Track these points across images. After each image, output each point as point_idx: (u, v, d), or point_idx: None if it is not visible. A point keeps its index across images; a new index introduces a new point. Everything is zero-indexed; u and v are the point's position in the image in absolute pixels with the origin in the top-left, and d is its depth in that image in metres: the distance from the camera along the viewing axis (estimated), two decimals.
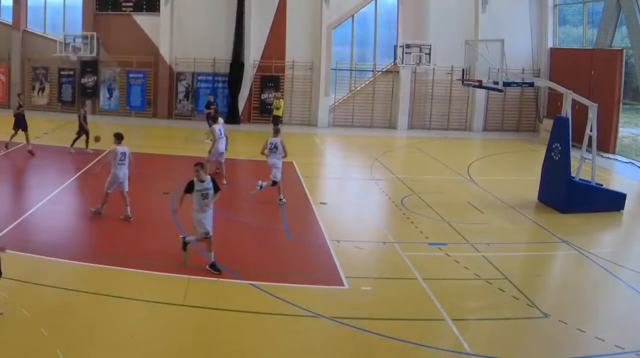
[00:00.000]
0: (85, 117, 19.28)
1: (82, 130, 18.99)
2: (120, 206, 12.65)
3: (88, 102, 26.40)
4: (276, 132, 14.78)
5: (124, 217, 12.61)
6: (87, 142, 18.92)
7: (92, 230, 12.28)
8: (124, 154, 12.78)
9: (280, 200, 14.45)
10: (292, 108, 27.49)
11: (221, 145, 15.96)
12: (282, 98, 25.96)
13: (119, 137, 13.02)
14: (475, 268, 10.61)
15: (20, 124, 18.72)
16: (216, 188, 10.23)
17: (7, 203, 13.54)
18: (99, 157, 17.52)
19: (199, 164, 10.19)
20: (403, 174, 18.61)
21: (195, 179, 10.05)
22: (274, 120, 24.64)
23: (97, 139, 15.31)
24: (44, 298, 8.63)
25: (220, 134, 15.94)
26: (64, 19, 28.54)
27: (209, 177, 10.22)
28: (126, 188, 12.81)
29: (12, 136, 18.76)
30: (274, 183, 14.42)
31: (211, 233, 10.06)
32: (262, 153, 14.58)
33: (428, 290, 9.57)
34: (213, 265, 9.97)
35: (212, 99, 24.09)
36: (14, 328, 7.74)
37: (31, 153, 18.10)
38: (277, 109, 25.15)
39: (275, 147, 14.41)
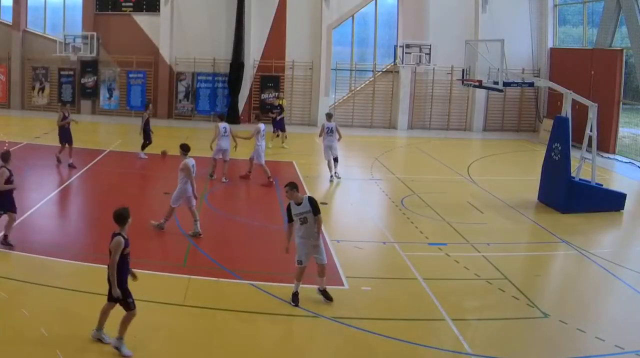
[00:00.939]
0: (148, 121, 18.82)
1: (147, 135, 18.71)
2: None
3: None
4: (329, 117, 17.47)
5: (192, 233, 11.69)
6: (148, 144, 18.79)
7: (92, 230, 12.28)
8: (194, 166, 11.77)
9: (334, 176, 16.91)
10: (292, 108, 27.48)
11: (224, 143, 16.12)
12: (284, 98, 25.48)
13: (185, 149, 11.93)
14: (475, 268, 10.60)
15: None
16: (316, 211, 8.73)
17: None
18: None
19: (289, 185, 8.84)
20: (403, 173, 18.61)
21: (291, 203, 8.80)
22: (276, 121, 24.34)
23: (163, 154, 16.25)
24: (44, 298, 8.63)
25: (225, 132, 16.17)
26: (64, 19, 28.56)
27: (306, 197, 8.87)
28: (194, 203, 11.77)
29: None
30: (336, 159, 16.96)
31: (324, 262, 8.85)
32: (320, 136, 17.09)
33: (428, 290, 9.57)
34: (325, 293, 8.90)
35: (275, 102, 23.35)
36: (14, 328, 7.74)
37: (72, 165, 17.11)
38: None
39: (332, 131, 16.81)
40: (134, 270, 7.63)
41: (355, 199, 15.85)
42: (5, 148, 11.06)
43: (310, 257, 8.85)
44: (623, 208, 14.74)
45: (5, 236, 10.42)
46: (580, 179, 14.83)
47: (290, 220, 8.78)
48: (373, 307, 9.03)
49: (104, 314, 7.47)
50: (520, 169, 20.32)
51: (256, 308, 8.78)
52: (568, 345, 8.09)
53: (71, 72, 28.01)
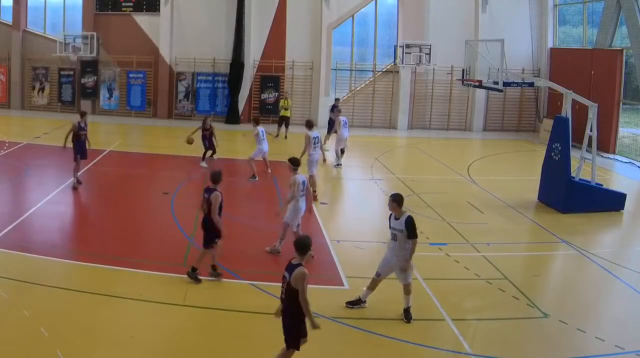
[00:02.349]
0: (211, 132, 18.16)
1: (212, 145, 18.20)
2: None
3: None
4: (339, 112, 19.96)
5: (270, 250, 11.02)
6: (212, 153, 18.30)
7: (92, 230, 12.28)
8: (304, 183, 10.89)
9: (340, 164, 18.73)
10: (292, 108, 27.45)
11: (266, 146, 16.93)
12: (287, 98, 24.69)
13: (295, 163, 11.00)
14: (475, 268, 10.61)
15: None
16: (411, 234, 8.23)
17: (7, 203, 13.54)
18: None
19: (392, 196, 8.39)
20: (403, 173, 18.61)
21: (392, 214, 8.48)
22: (281, 121, 23.76)
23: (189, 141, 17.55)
24: (44, 298, 8.64)
25: (263, 136, 16.86)
26: (64, 19, 28.56)
27: (406, 215, 8.30)
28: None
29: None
30: (343, 151, 18.87)
31: (404, 281, 8.47)
32: (337, 131, 18.84)
33: (428, 290, 9.57)
34: (406, 311, 8.52)
35: (337, 103, 22.77)
36: (14, 328, 7.74)
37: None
38: (286, 109, 23.99)
39: (346, 123, 19.06)
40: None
41: (355, 199, 15.86)
42: (216, 168, 9.72)
43: (391, 273, 8.59)
44: (623, 208, 14.74)
45: (214, 266, 9.69)
46: (580, 179, 14.83)
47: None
48: (373, 307, 9.03)
49: None
50: (520, 169, 20.32)
51: (256, 308, 8.77)
52: (568, 345, 8.09)
53: (71, 72, 28.01)
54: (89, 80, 27.89)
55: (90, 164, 17.41)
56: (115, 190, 15.39)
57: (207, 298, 9.04)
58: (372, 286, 8.81)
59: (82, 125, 15.20)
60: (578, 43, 26.32)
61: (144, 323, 8.17)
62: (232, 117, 26.91)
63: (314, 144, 15.13)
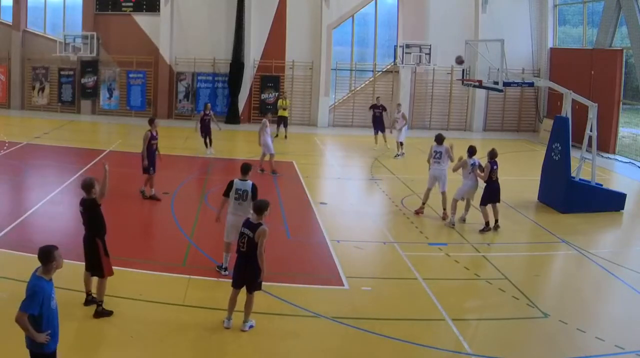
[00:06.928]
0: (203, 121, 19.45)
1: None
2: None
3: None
4: (400, 107, 20.83)
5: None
6: (206, 143, 19.51)
7: None
8: (473, 164, 13.20)
9: (400, 155, 20.69)
10: (292, 108, 27.46)
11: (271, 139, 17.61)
12: (286, 98, 24.72)
13: (472, 152, 13.58)
14: (475, 268, 10.61)
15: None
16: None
17: (7, 203, 13.54)
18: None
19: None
20: (403, 173, 18.60)
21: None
22: (280, 121, 23.72)
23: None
24: None
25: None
26: (64, 19, 28.55)
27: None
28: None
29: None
30: (401, 144, 20.52)
31: None
32: (392, 125, 21.17)
33: (428, 290, 9.57)
34: None
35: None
36: (14, 328, 7.73)
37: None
38: (284, 109, 23.92)
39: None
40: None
41: (355, 199, 15.85)
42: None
43: None
44: (623, 209, 14.75)
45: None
46: (580, 179, 14.84)
47: None
48: (373, 307, 9.03)
49: None
50: (520, 169, 20.30)
51: (256, 308, 8.75)
52: (568, 345, 8.09)
53: (71, 72, 28.00)
54: (89, 80, 27.88)
55: (91, 164, 17.41)
56: (116, 190, 15.35)
57: (207, 298, 9.04)
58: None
59: (154, 133, 13.82)
60: (578, 43, 26.32)
61: (144, 323, 8.17)
62: (232, 117, 26.91)
63: (434, 157, 14.85)
